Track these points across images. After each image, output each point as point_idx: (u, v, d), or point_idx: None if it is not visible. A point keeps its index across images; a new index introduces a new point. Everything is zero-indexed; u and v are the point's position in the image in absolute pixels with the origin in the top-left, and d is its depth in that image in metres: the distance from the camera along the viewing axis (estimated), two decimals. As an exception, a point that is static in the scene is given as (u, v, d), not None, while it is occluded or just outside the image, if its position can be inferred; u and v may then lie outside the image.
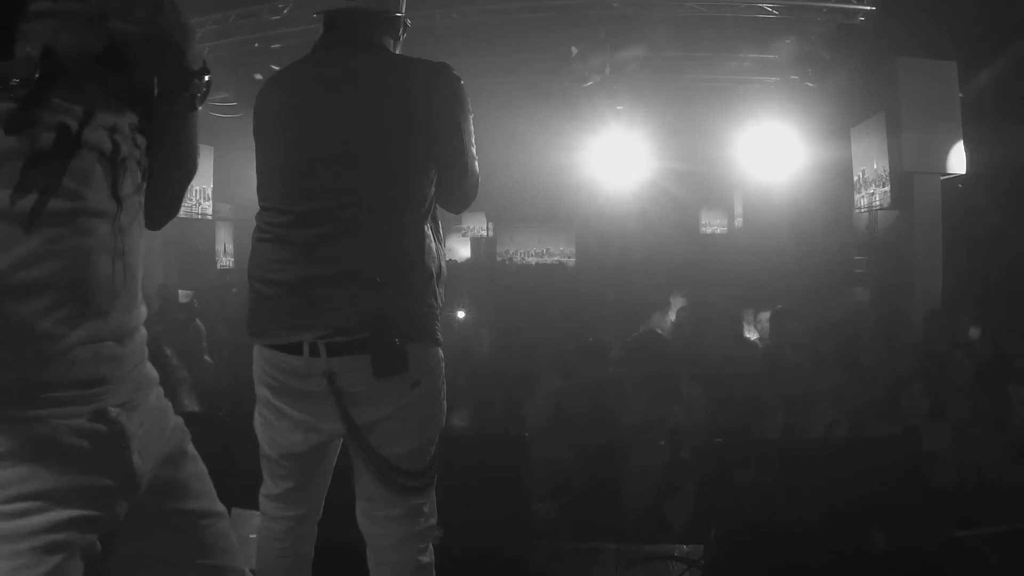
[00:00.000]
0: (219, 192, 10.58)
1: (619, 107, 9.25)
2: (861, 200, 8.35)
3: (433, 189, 1.90)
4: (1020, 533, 3.05)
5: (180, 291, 8.92)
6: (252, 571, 2.84)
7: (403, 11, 2.02)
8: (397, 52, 2.03)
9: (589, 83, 8.04)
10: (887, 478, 2.86)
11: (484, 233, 14.79)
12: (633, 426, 4.16)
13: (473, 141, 1.96)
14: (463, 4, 7.29)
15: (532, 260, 14.50)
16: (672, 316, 6.47)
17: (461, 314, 7.05)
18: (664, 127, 9.61)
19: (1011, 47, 6.47)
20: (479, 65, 8.76)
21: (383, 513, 1.89)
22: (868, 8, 6.83)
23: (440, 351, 1.91)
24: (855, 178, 8.46)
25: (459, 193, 1.97)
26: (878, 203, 7.91)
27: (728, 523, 2.86)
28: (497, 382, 4.74)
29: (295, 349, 1.81)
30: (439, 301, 1.91)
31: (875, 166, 7.90)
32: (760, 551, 2.76)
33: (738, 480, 2.90)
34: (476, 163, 1.98)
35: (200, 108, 1.40)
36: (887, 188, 7.63)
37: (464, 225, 14.67)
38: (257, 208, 1.96)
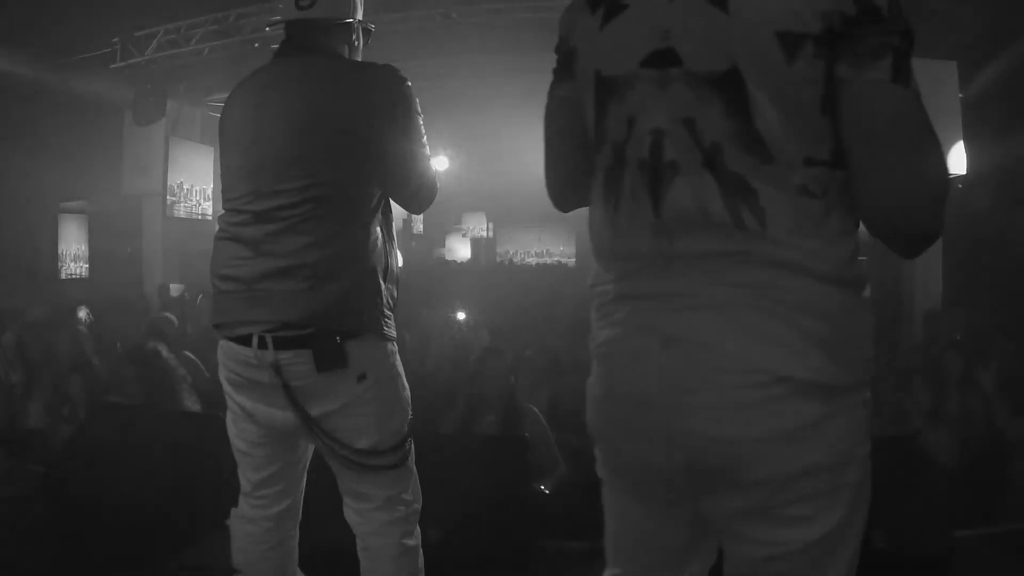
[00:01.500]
0: (219, 192, 10.59)
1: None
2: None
3: (376, 190, 1.95)
4: (1020, 533, 3.05)
5: (171, 285, 8.91)
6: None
7: (357, 17, 2.07)
8: (357, 58, 2.10)
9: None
10: (886, 478, 2.86)
11: (484, 233, 14.79)
12: None
13: (422, 142, 1.98)
14: (463, 4, 7.29)
15: (532, 260, 14.49)
16: None
17: (461, 315, 7.05)
18: (664, 127, 9.60)
19: (1011, 47, 6.47)
20: (479, 65, 8.77)
21: (362, 504, 1.99)
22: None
23: (389, 345, 1.97)
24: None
25: (406, 192, 2.00)
26: (878, 203, 7.89)
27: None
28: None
29: (246, 341, 1.89)
30: (387, 298, 1.95)
31: (875, 166, 7.89)
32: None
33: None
34: (427, 163, 2.01)
35: None
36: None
37: (464, 225, 14.68)
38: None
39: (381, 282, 1.94)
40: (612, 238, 1.24)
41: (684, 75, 1.13)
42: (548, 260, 14.41)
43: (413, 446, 2.05)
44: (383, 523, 1.98)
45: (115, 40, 8.07)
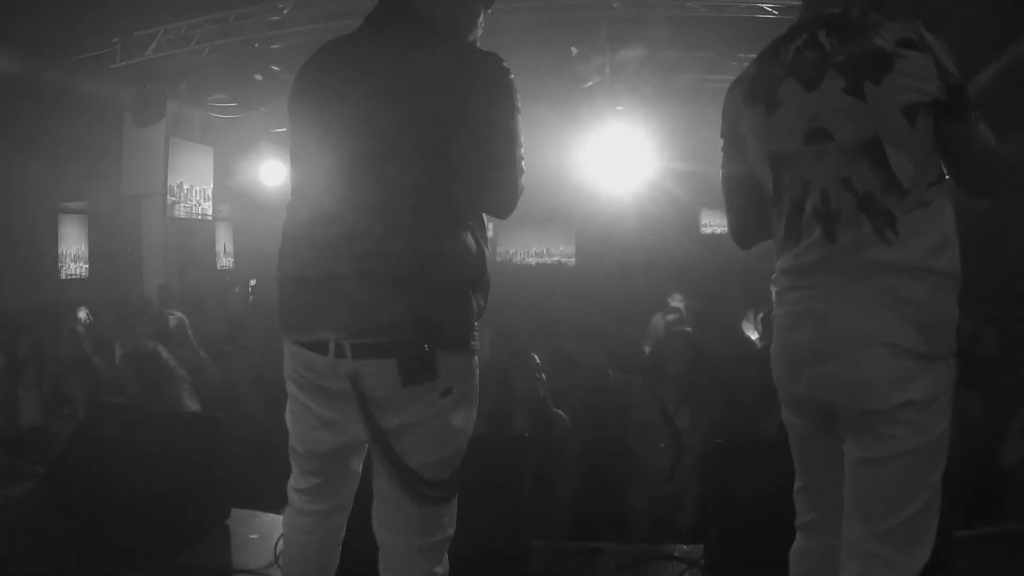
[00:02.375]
0: (219, 192, 10.59)
1: (619, 107, 9.24)
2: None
3: (470, 188, 1.77)
4: (1020, 533, 3.05)
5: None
6: (250, 571, 2.85)
7: None
8: (467, 36, 1.91)
9: (589, 83, 8.03)
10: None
11: (484, 233, 14.77)
12: (640, 427, 4.15)
13: (521, 141, 1.80)
14: (463, 4, 7.27)
15: (532, 260, 14.49)
16: (671, 317, 6.46)
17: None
18: (664, 127, 9.60)
19: (1012, 47, 6.46)
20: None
21: (400, 521, 1.83)
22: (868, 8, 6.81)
23: (475, 359, 1.82)
24: (855, 178, 8.45)
25: (504, 196, 1.81)
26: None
27: (728, 523, 2.86)
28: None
29: (321, 347, 1.75)
30: (476, 307, 1.80)
31: (875, 166, 7.89)
32: (760, 551, 2.76)
33: (738, 480, 2.90)
34: (522, 163, 1.82)
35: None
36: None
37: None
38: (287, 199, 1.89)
39: (471, 290, 1.78)
40: (793, 257, 1.79)
41: (836, 147, 1.68)
42: (548, 260, 14.40)
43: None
44: (414, 548, 1.84)
45: (115, 40, 8.06)
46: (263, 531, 3.12)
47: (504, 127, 1.76)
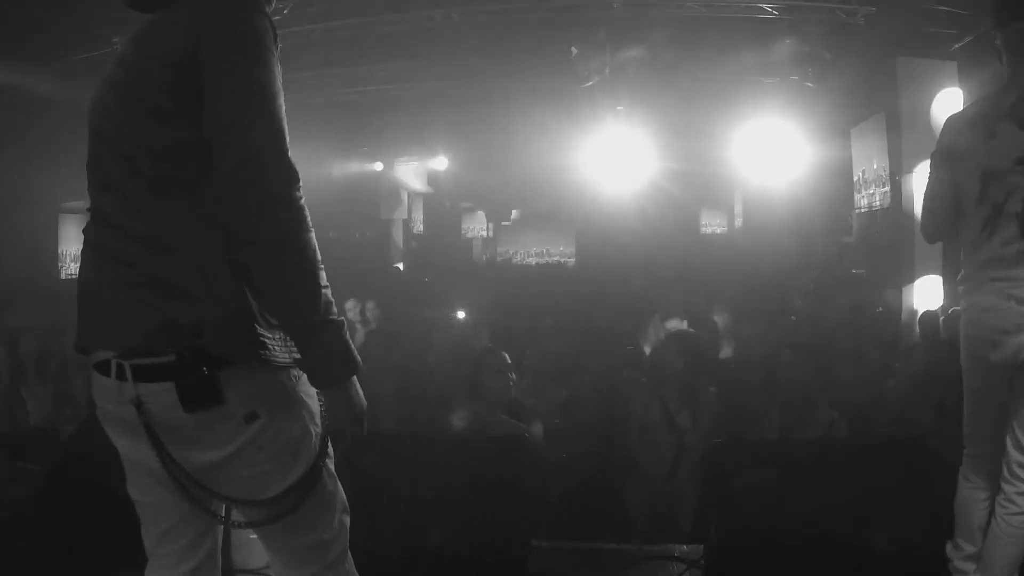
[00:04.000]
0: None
1: (619, 107, 9.23)
2: (861, 200, 8.35)
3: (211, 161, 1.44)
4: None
5: None
6: (250, 571, 2.85)
7: None
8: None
9: (589, 83, 8.03)
10: (886, 479, 2.87)
11: (484, 233, 14.79)
12: (641, 427, 4.16)
13: (268, 92, 1.42)
14: (463, 4, 7.28)
15: (532, 260, 14.50)
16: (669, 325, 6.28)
17: (461, 314, 7.05)
18: (664, 127, 9.60)
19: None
20: (479, 65, 8.76)
21: (281, 558, 1.63)
22: (868, 8, 6.82)
23: (280, 373, 1.50)
24: (855, 178, 8.46)
25: (240, 173, 1.39)
26: (878, 203, 7.91)
27: (728, 523, 2.86)
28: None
29: (105, 368, 1.50)
30: (261, 313, 1.47)
31: (875, 166, 7.90)
32: (760, 551, 2.76)
33: (738, 481, 2.90)
34: (275, 124, 1.42)
35: None
36: (887, 188, 7.63)
37: (464, 225, 14.68)
38: None
39: (247, 286, 1.45)
40: (988, 251, 2.31)
41: None
42: (548, 260, 14.41)
43: (332, 464, 1.61)
44: (314, 573, 1.61)
45: (115, 40, 8.05)
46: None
47: (227, 78, 1.41)
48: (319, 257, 1.44)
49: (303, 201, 1.43)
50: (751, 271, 9.40)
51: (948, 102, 6.66)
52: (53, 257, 10.20)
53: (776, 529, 2.76)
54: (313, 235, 1.44)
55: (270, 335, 1.47)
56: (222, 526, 1.66)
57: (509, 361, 4.02)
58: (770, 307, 6.85)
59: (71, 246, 10.65)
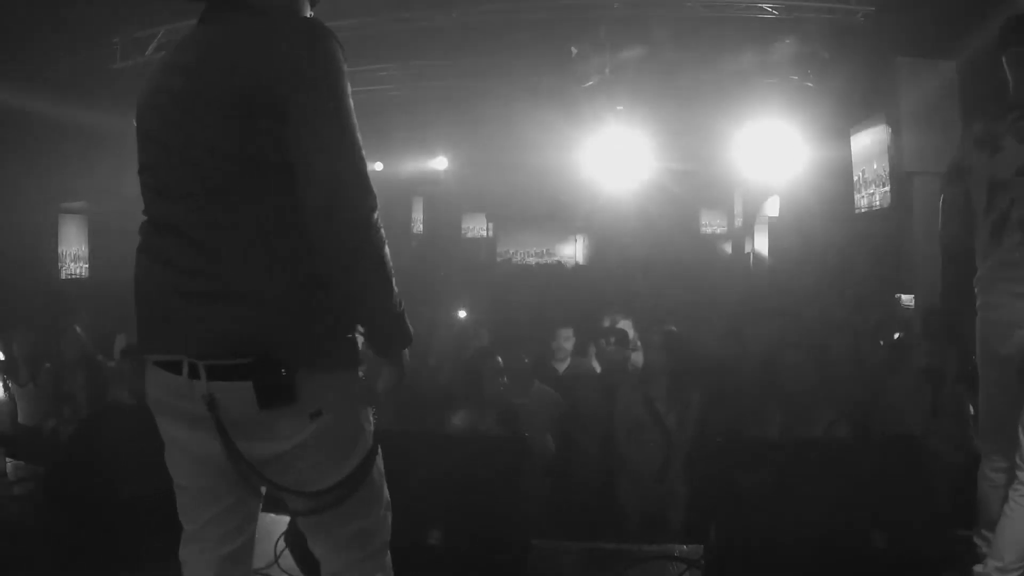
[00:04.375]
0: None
1: (619, 107, 9.24)
2: (861, 200, 8.35)
3: (290, 174, 1.52)
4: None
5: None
6: (255, 571, 2.84)
7: None
8: (305, 14, 1.67)
9: (589, 83, 8.03)
10: (887, 478, 2.86)
11: (484, 233, 14.79)
12: (627, 425, 4.16)
13: (350, 122, 1.53)
14: (463, 4, 7.29)
15: (532, 260, 14.50)
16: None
17: (462, 314, 7.05)
18: (664, 127, 9.60)
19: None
20: (479, 65, 8.77)
21: (324, 543, 1.74)
22: (868, 8, 6.82)
23: (350, 373, 1.64)
24: (855, 178, 8.45)
25: (315, 184, 1.49)
26: (878, 203, 7.91)
27: (728, 523, 2.86)
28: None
29: (176, 367, 1.59)
30: (328, 314, 1.59)
31: (875, 166, 7.90)
32: (760, 551, 2.76)
33: (738, 480, 2.90)
34: (357, 151, 1.52)
35: None
36: (887, 188, 7.62)
37: (464, 225, 14.69)
38: None
39: (325, 296, 1.57)
40: (997, 255, 2.51)
41: None
42: (548, 260, 14.42)
43: (381, 462, 1.74)
44: (351, 562, 1.72)
45: (115, 40, 8.07)
46: (263, 531, 3.10)
47: (314, 104, 1.49)
48: (391, 263, 1.60)
49: (379, 219, 1.56)
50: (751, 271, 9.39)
51: (948, 102, 6.67)
52: (53, 257, 10.20)
53: (776, 529, 2.76)
54: (387, 247, 1.59)
55: (336, 341, 1.61)
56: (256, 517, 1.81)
57: (502, 364, 4.05)
58: (771, 307, 6.84)
59: (71, 246, 10.65)
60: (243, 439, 1.57)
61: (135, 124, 1.67)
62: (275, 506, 1.78)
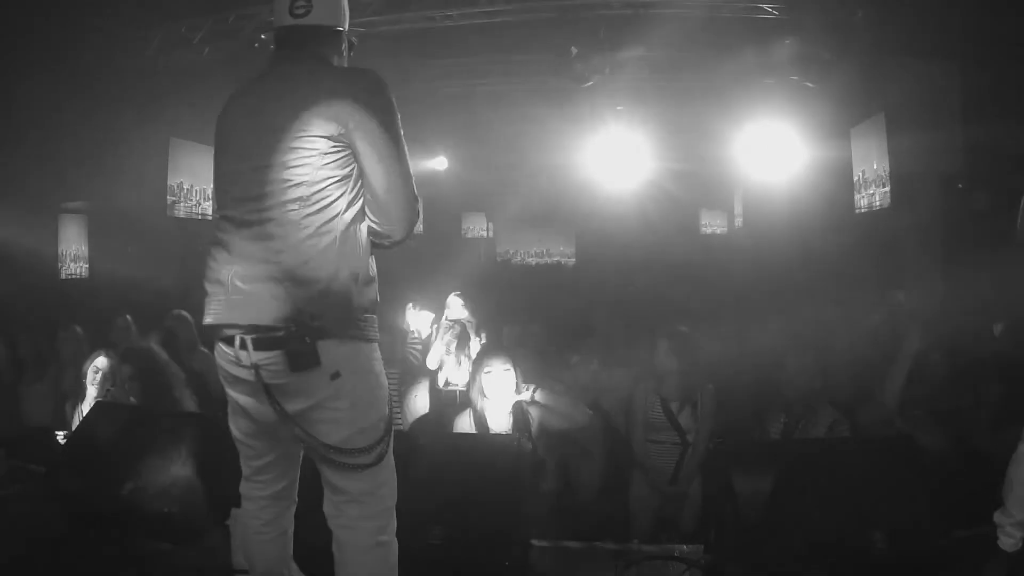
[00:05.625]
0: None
1: (619, 107, 9.24)
2: (861, 200, 8.35)
3: (354, 194, 2.04)
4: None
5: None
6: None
7: (346, 27, 2.20)
8: (343, 65, 2.21)
9: (589, 83, 8.02)
10: (887, 479, 2.86)
11: (484, 233, 14.78)
12: (644, 427, 4.15)
13: (403, 149, 2.05)
14: (463, 4, 7.28)
15: (532, 260, 14.49)
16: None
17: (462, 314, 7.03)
18: (664, 127, 9.60)
19: (1012, 46, 6.46)
20: (479, 65, 8.77)
21: (337, 497, 2.09)
22: (868, 8, 6.82)
23: (362, 346, 2.06)
24: (855, 178, 8.45)
25: (386, 199, 2.05)
26: (878, 203, 7.91)
27: (728, 523, 2.86)
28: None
29: (231, 342, 2.02)
30: (363, 300, 2.04)
31: (875, 166, 7.90)
32: (761, 551, 2.76)
33: (739, 481, 2.90)
34: (408, 172, 2.06)
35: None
36: (887, 188, 7.63)
37: (464, 225, 14.67)
38: None
39: (353, 284, 2.02)
40: None
41: None
42: (548, 260, 14.41)
43: (392, 445, 2.13)
44: (355, 517, 2.07)
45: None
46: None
47: (385, 133, 2.01)
48: None
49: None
50: (751, 271, 9.38)
51: (948, 102, 6.67)
52: (53, 257, 10.19)
53: (777, 529, 2.76)
54: None
55: (363, 320, 2.04)
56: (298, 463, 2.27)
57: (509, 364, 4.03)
58: (771, 307, 6.84)
59: (71, 246, 10.65)
60: (283, 397, 1.99)
61: (216, 136, 2.15)
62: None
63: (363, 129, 1.98)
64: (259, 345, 1.96)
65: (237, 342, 1.99)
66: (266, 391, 1.99)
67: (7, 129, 7.48)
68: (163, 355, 4.20)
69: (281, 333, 1.94)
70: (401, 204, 2.07)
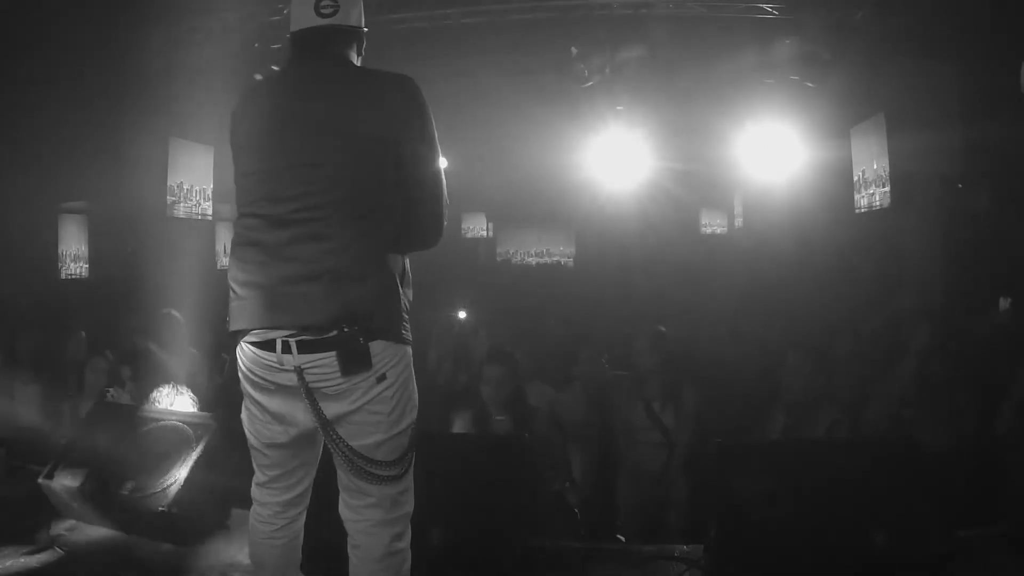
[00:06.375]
0: (219, 192, 10.58)
1: (619, 107, 9.23)
2: (861, 200, 8.35)
3: (396, 195, 2.01)
4: (1020, 533, 3.04)
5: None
6: (250, 571, 2.84)
7: (364, 26, 2.21)
8: (358, 64, 2.20)
9: (589, 83, 8.02)
10: (887, 478, 2.86)
11: (484, 233, 14.77)
12: (627, 427, 4.16)
13: (438, 156, 2.06)
14: (463, 4, 7.28)
15: (532, 260, 14.49)
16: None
17: (462, 314, 7.05)
18: (664, 127, 9.59)
19: (1012, 46, 6.45)
20: (479, 65, 8.75)
21: (358, 501, 2.04)
22: (868, 8, 6.81)
23: (407, 349, 2.04)
24: (855, 178, 8.45)
25: (424, 198, 2.04)
26: (878, 203, 7.91)
27: (728, 523, 2.86)
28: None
29: (269, 346, 1.94)
30: (405, 302, 2.03)
31: (875, 166, 7.90)
32: (761, 551, 2.76)
33: (738, 481, 2.90)
34: (441, 177, 2.06)
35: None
36: (887, 188, 7.62)
37: (464, 225, 14.67)
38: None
39: (399, 285, 2.00)
40: None
41: None
42: (548, 260, 14.40)
43: (414, 455, 2.09)
44: (375, 522, 2.03)
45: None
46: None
47: (421, 136, 2.01)
48: None
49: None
50: (751, 271, 9.38)
51: (948, 102, 6.66)
52: (53, 257, 10.19)
53: (777, 529, 2.76)
54: None
55: (407, 321, 2.02)
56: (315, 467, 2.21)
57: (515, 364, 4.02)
58: (771, 307, 6.84)
59: (71, 246, 10.64)
60: (322, 401, 1.94)
61: (236, 135, 2.10)
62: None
63: (409, 134, 1.99)
64: (305, 348, 1.91)
65: (279, 345, 1.93)
66: (307, 396, 1.93)
67: (7, 129, 7.48)
68: (162, 355, 4.20)
69: (334, 334, 1.89)
70: (437, 211, 2.07)
